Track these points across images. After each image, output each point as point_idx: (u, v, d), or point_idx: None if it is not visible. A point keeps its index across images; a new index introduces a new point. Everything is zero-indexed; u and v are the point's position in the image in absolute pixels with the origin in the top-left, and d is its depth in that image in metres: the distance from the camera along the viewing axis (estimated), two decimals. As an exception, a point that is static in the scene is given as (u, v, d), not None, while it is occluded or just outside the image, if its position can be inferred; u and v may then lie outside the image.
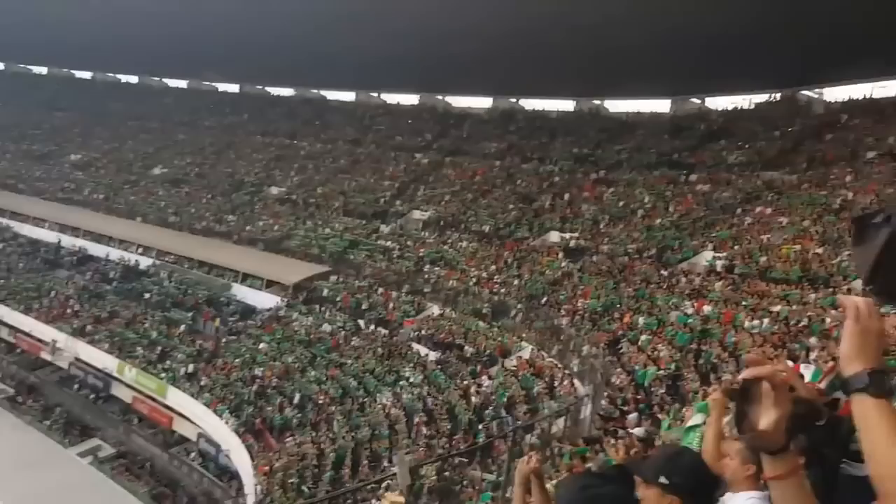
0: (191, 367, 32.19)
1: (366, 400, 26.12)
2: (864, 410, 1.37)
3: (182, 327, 35.27)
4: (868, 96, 32.55)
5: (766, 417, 1.63)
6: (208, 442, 29.50)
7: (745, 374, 1.67)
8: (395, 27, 38.11)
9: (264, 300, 35.81)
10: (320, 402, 27.16)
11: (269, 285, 36.77)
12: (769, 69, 32.69)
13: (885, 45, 27.72)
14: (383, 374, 27.22)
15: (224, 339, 34.04)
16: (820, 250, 21.29)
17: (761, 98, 37.19)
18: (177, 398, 31.14)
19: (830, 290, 18.08)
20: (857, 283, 17.34)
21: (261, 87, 59.32)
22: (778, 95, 36.34)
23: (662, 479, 2.63)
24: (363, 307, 32.64)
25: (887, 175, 24.83)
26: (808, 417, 3.05)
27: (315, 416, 26.55)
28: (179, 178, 50.72)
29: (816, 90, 35.40)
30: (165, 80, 64.12)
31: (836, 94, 34.72)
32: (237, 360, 31.80)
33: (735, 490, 2.90)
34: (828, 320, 14.81)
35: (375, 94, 53.85)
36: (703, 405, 5.91)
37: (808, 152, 30.55)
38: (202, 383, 31.00)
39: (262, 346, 32.29)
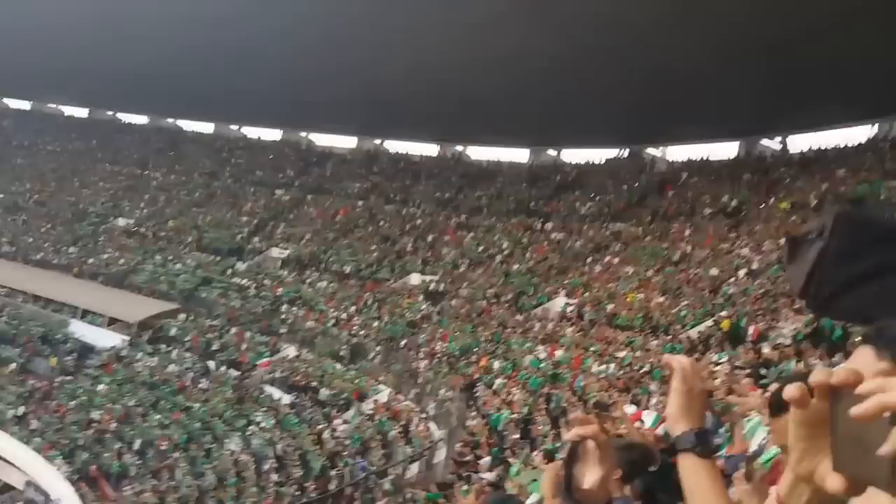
0: (20, 409, 29.53)
1: (212, 446, 24.87)
2: (690, 469, 1.41)
3: (12, 366, 32.31)
4: (704, 158, 35.43)
5: (591, 476, 1.67)
6: (37, 490, 27.01)
7: (570, 435, 1.70)
8: (261, 63, 37.51)
9: (105, 338, 33.50)
10: (163, 447, 25.58)
11: (112, 322, 34.47)
12: (619, 126, 35.00)
13: (720, 109, 30.64)
14: (233, 418, 26.06)
15: (59, 380, 31.49)
16: (661, 299, 22.67)
17: (611, 153, 39.56)
18: (2, 442, 28.37)
19: (669, 337, 19.23)
20: (693, 332, 18.59)
21: (112, 112, 56.19)
22: (626, 152, 38.78)
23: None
24: (214, 348, 31.27)
25: (721, 231, 26.97)
26: (642, 463, 3.17)
27: (157, 463, 24.95)
28: (16, 205, 46.88)
29: (660, 148, 38.15)
30: (6, 101, 59.39)
31: (677, 153, 37.60)
32: (73, 403, 29.55)
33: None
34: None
35: (235, 127, 52.40)
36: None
37: (651, 206, 32.66)
38: (32, 427, 28.55)
39: (100, 387, 30.19)
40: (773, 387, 3.31)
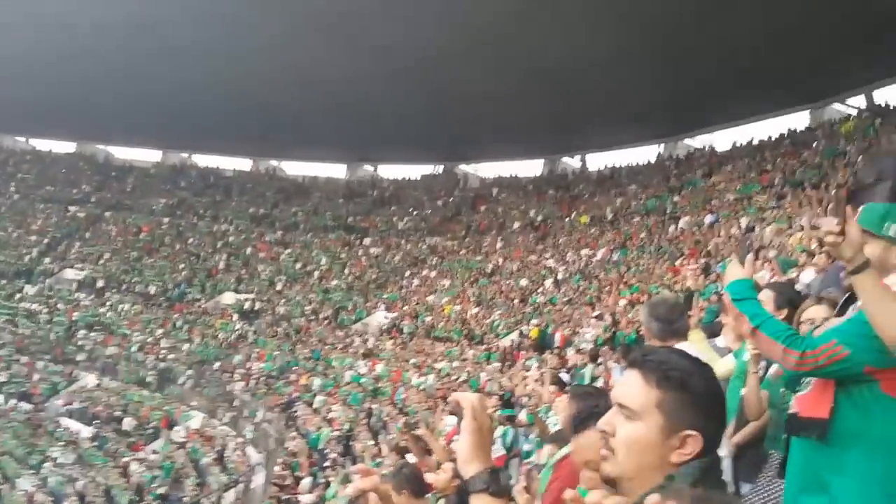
0: None
1: (2, 487, 22.38)
2: None
3: None
4: (513, 174, 37.39)
5: None
6: None
7: (350, 490, 1.69)
8: (49, 69, 34.42)
9: None
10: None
11: None
12: (433, 144, 36.09)
13: (526, 129, 32.56)
14: (25, 455, 23.61)
15: None
16: (476, 310, 23.57)
17: (426, 169, 40.62)
18: None
19: (484, 346, 20.02)
20: (506, 340, 19.49)
21: None
22: (440, 168, 40.00)
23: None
24: (1, 380, 28.15)
25: (529, 243, 28.57)
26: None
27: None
28: None
29: (472, 165, 39.76)
30: None
31: (488, 170, 39.42)
32: None
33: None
34: (483, 375, 16.32)
35: (22, 139, 47.68)
36: None
37: (465, 221, 33.94)
38: None
39: None
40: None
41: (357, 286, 30.82)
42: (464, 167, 39.76)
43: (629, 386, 1.45)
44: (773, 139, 27.24)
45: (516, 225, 31.30)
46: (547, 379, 6.43)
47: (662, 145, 33.15)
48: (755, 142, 27.95)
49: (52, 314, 32.48)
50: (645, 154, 33.57)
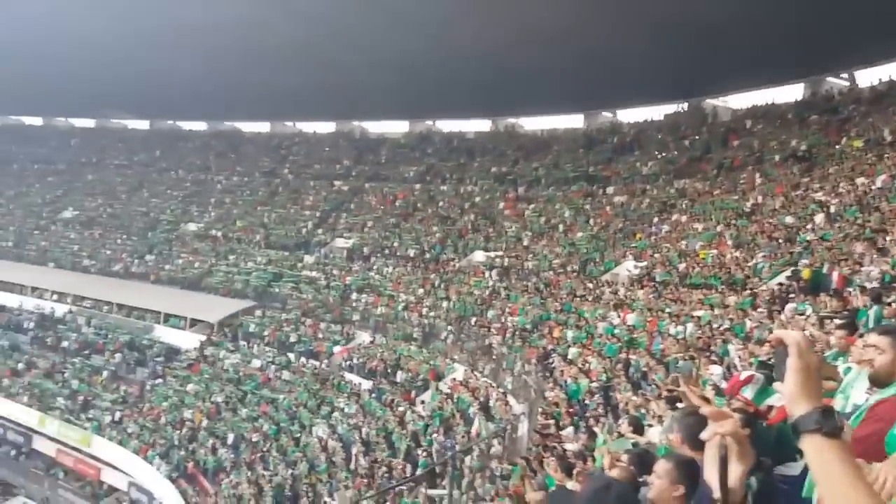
0: (116, 415, 30.92)
1: (300, 434, 25.56)
2: (818, 452, 1.32)
3: (104, 374, 33.85)
4: (770, 102, 34.14)
5: (733, 473, 1.59)
6: (140, 490, 28.33)
7: (707, 432, 1.62)
8: (308, 57, 37.90)
9: (188, 340, 34.75)
10: (254, 440, 26.42)
11: (193, 324, 35.71)
12: (673, 81, 34.05)
13: (781, 52, 29.42)
14: (317, 406, 26.71)
15: (149, 383, 32.83)
16: (735, 253, 22.06)
17: (669, 109, 38.55)
18: (103, 447, 29.84)
19: (747, 291, 18.72)
20: (773, 284, 18.07)
21: (172, 121, 57.82)
22: (685, 105, 37.73)
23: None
24: (291, 340, 32.05)
25: (792, 177, 26.03)
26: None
27: (249, 455, 25.80)
28: (91, 220, 48.83)
29: (721, 98, 36.95)
30: (71, 121, 61.71)
31: (740, 101, 36.36)
32: (165, 404, 30.76)
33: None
34: (748, 323, 15.30)
35: (291, 124, 53.26)
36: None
37: (716, 159, 31.76)
38: (129, 430, 29.87)
39: (189, 387, 31.28)
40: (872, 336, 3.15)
41: (603, 236, 30.34)
42: (711, 101, 37.12)
43: None
44: None
45: (776, 157, 28.63)
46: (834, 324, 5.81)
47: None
48: None
49: (329, 280, 36.09)
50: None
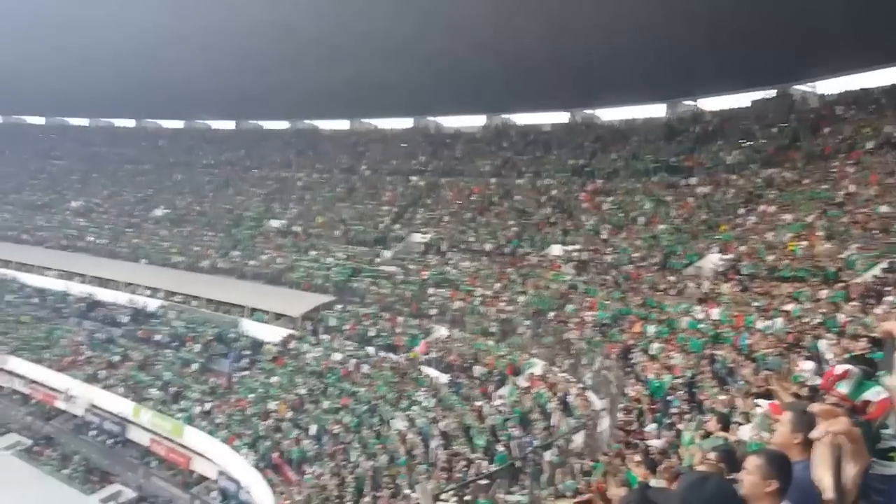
0: (206, 406, 32.07)
1: (380, 427, 25.93)
2: None
3: (194, 366, 35.19)
4: (862, 87, 32.50)
5: (847, 474, 1.53)
6: (228, 479, 29.30)
7: (818, 431, 1.56)
8: (385, 55, 38.28)
9: (273, 333, 35.72)
10: (335, 431, 26.97)
11: (277, 318, 36.70)
12: (761, 66, 32.75)
13: (872, 35, 27.88)
14: (395, 399, 27.04)
15: (236, 375, 33.92)
16: (827, 245, 21.14)
17: (755, 96, 37.17)
18: (193, 437, 31.02)
19: (840, 284, 17.91)
20: (867, 276, 17.24)
21: (255, 121, 59.55)
22: (772, 92, 36.31)
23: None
24: (370, 334, 32.53)
25: (889, 164, 24.72)
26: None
27: (332, 447, 26.34)
28: (180, 218, 50.81)
29: (809, 84, 35.38)
30: (160, 122, 64.37)
31: (830, 86, 34.73)
32: (251, 395, 31.69)
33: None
34: (840, 316, 14.64)
35: (368, 121, 54.03)
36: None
37: (806, 147, 30.47)
38: (218, 421, 30.87)
39: (274, 379, 32.16)
40: None
41: (686, 228, 29.55)
42: (799, 87, 35.56)
43: None
44: None
45: (870, 145, 27.25)
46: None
47: None
48: None
49: (406, 274, 36.46)
50: None
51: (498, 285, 32.02)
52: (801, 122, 32.87)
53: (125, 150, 61.45)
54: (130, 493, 31.86)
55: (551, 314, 27.75)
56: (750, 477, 2.81)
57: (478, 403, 23.77)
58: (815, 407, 1.73)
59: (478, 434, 21.58)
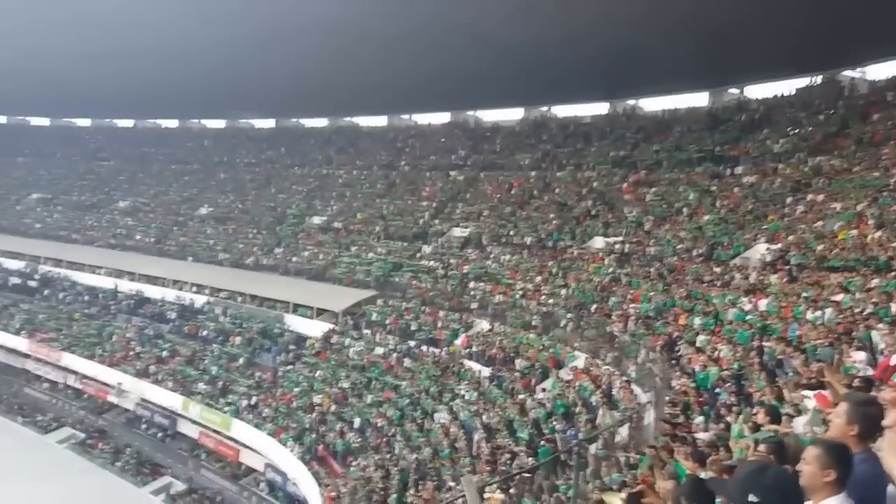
0: (252, 399, 32.64)
1: (423, 420, 26.08)
2: None
3: (240, 360, 35.82)
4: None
5: None
6: (275, 471, 29.87)
7: (890, 418, 1.52)
8: (421, 50, 38.35)
9: (316, 328, 36.16)
10: (379, 425, 27.20)
11: (320, 313, 37.14)
12: (808, 52, 32.01)
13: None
14: (438, 393, 27.15)
15: (281, 369, 34.43)
16: (878, 233, 20.58)
17: (801, 83, 36.32)
18: (241, 430, 31.62)
19: (893, 273, 17.41)
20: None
21: (295, 119, 60.23)
22: (819, 78, 35.44)
23: (752, 498, 2.51)
24: (412, 328, 32.70)
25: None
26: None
27: (375, 440, 26.59)
28: (225, 216, 51.66)
29: (858, 70, 34.45)
30: (203, 122, 65.52)
31: (880, 71, 33.76)
32: (296, 389, 32.16)
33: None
34: (893, 306, 14.23)
35: (407, 117, 54.23)
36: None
37: (855, 134, 29.68)
38: (264, 414, 31.40)
39: (318, 373, 32.57)
40: None
41: (731, 219, 29.03)
42: (848, 73, 34.63)
43: None
44: None
45: (922, 130, 26.44)
46: None
47: None
48: None
49: (447, 269, 36.55)
50: None
51: (539, 279, 31.90)
52: (849, 109, 32.02)
53: (170, 150, 62.74)
54: (180, 485, 32.65)
55: (593, 307, 27.54)
56: (808, 467, 2.79)
57: (521, 397, 23.72)
58: (887, 394, 1.69)
59: (521, 427, 21.55)
